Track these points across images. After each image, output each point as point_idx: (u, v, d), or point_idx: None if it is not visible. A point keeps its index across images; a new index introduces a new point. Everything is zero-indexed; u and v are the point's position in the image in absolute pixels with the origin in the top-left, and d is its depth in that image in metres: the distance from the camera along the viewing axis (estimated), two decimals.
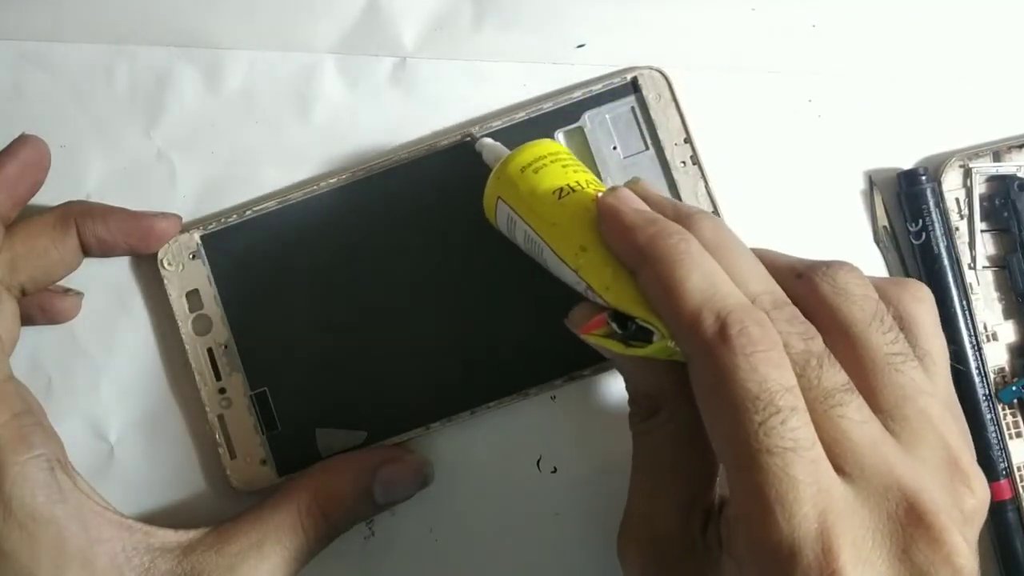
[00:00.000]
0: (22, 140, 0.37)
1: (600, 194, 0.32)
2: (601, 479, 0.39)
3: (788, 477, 0.26)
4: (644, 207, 0.31)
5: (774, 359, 0.27)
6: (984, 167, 0.39)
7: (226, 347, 0.38)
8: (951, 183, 0.39)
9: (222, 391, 0.38)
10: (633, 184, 0.33)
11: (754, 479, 0.26)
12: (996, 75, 0.40)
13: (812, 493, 0.26)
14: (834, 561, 0.25)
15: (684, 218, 0.31)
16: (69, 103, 0.40)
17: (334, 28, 0.40)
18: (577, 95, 0.39)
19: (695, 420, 0.29)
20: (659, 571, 0.31)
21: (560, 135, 0.38)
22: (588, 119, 0.39)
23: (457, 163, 0.38)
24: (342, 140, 0.40)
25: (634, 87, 0.39)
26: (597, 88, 0.39)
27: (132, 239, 0.37)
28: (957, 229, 0.39)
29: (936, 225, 0.39)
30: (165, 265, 0.38)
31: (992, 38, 0.40)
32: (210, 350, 0.38)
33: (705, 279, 0.28)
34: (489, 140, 0.37)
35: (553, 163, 0.34)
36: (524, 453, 0.39)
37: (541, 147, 0.34)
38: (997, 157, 0.39)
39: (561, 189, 0.33)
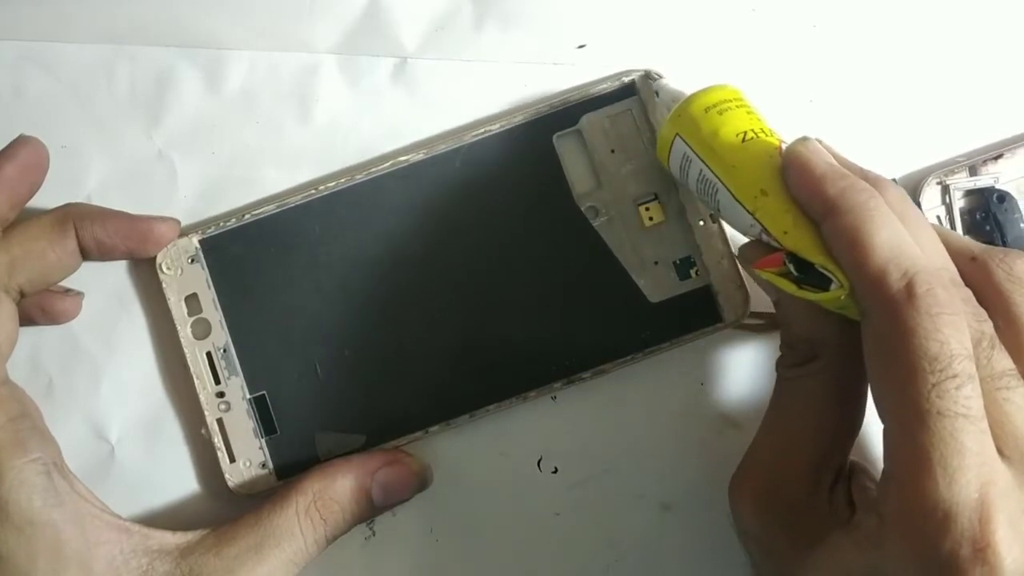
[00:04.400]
0: (21, 141, 0.37)
1: (787, 143, 0.32)
2: (601, 479, 0.39)
3: (956, 442, 0.26)
4: (834, 161, 0.31)
5: (957, 323, 0.27)
6: (961, 182, 0.39)
7: (225, 351, 0.38)
8: (930, 201, 0.39)
9: (221, 395, 0.38)
10: (819, 142, 0.33)
11: (919, 439, 0.26)
12: (995, 78, 0.40)
13: (978, 463, 0.26)
14: (990, 534, 0.25)
15: (870, 181, 0.31)
16: (69, 103, 0.40)
17: (335, 28, 0.40)
18: (577, 97, 0.38)
19: (850, 374, 0.29)
20: (774, 521, 0.31)
21: (558, 138, 0.38)
22: (587, 121, 0.38)
23: (456, 167, 0.38)
24: (343, 141, 0.40)
25: (634, 90, 0.38)
26: (597, 91, 0.38)
27: (130, 242, 0.37)
28: None
29: None
30: (164, 269, 0.38)
31: (992, 40, 0.40)
32: (209, 354, 0.38)
33: (894, 237, 0.28)
34: (666, 81, 0.38)
35: (738, 108, 0.34)
36: (524, 453, 0.39)
37: (725, 90, 0.34)
38: (973, 171, 0.39)
39: (745, 133, 0.33)
